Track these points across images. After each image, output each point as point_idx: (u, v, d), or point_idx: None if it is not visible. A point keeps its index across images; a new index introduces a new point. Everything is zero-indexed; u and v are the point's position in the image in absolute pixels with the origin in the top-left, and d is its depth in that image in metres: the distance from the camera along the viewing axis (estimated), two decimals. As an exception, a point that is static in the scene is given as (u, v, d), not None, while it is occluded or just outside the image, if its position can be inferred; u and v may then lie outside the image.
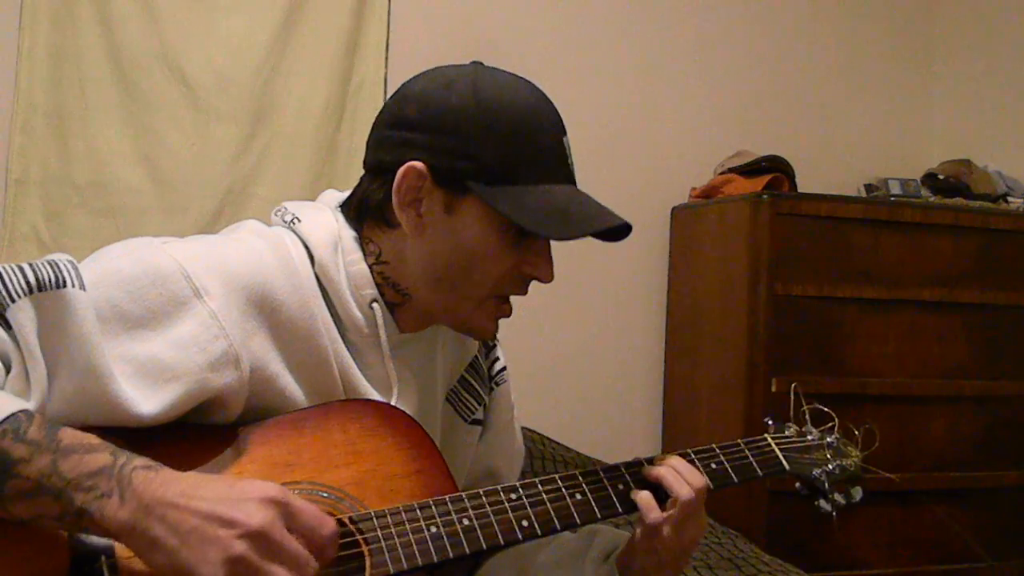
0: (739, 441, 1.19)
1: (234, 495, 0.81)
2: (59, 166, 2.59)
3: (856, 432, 1.26)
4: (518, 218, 0.99)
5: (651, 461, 1.11)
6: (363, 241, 1.07)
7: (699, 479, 1.08)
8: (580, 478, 1.06)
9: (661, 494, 1.07)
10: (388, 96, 1.12)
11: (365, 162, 1.10)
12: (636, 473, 1.09)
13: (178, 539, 0.78)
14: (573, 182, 1.06)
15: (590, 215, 1.02)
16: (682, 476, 1.07)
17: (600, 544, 1.15)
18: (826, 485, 1.20)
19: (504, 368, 1.29)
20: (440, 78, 1.05)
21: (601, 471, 1.08)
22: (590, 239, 1.04)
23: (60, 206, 2.59)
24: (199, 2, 2.68)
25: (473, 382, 1.22)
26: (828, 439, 1.25)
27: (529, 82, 1.07)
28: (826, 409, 1.26)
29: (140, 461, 0.82)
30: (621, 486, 1.07)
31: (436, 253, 1.04)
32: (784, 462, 1.19)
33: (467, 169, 1.00)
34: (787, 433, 1.24)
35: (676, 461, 1.09)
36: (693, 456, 1.13)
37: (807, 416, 1.26)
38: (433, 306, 1.09)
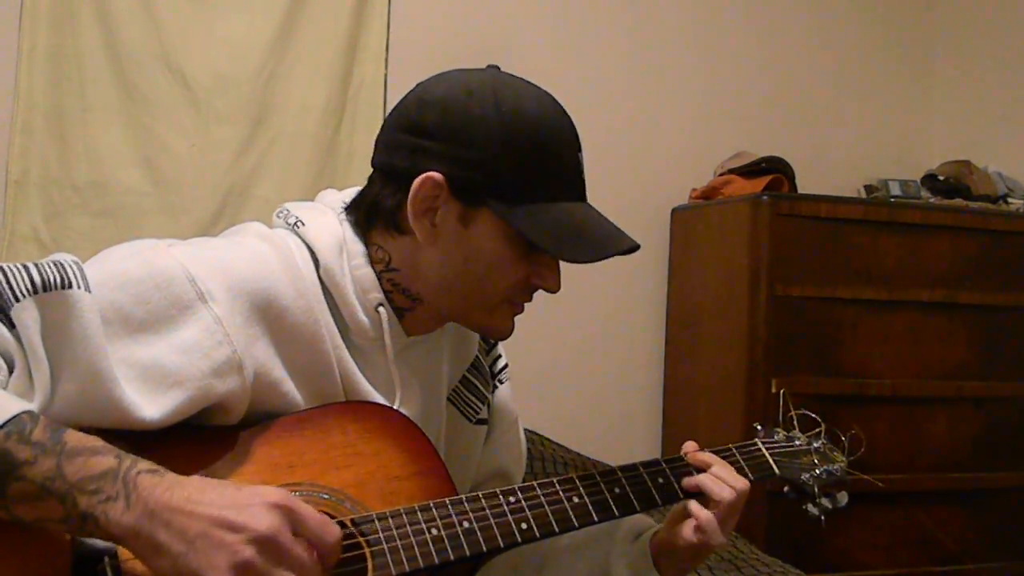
0: (731, 447, 1.20)
1: (241, 500, 0.80)
2: (59, 167, 2.59)
3: (843, 437, 1.27)
4: (536, 238, 1.00)
5: (646, 465, 1.12)
6: (371, 247, 1.07)
7: (740, 482, 1.10)
8: (577, 482, 1.07)
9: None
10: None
11: (375, 162, 1.09)
12: (632, 477, 1.10)
13: (184, 544, 0.78)
14: (584, 198, 1.07)
15: (604, 237, 1.04)
16: (723, 480, 1.10)
17: (629, 524, 1.17)
18: (815, 489, 1.21)
19: (506, 366, 1.30)
20: (460, 85, 1.04)
21: (598, 475, 1.09)
22: None
23: (60, 207, 2.59)
24: (199, 3, 2.69)
25: (476, 381, 1.22)
26: (815, 444, 1.26)
27: (547, 94, 1.07)
28: (813, 415, 1.27)
29: (145, 465, 0.82)
30: (617, 490, 1.08)
31: (448, 263, 1.04)
32: (774, 467, 1.20)
33: (485, 183, 1.00)
34: (776, 438, 1.25)
35: (718, 468, 1.11)
36: (688, 458, 1.14)
37: (795, 421, 1.27)
38: (446, 311, 1.10)
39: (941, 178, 3.04)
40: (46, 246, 2.55)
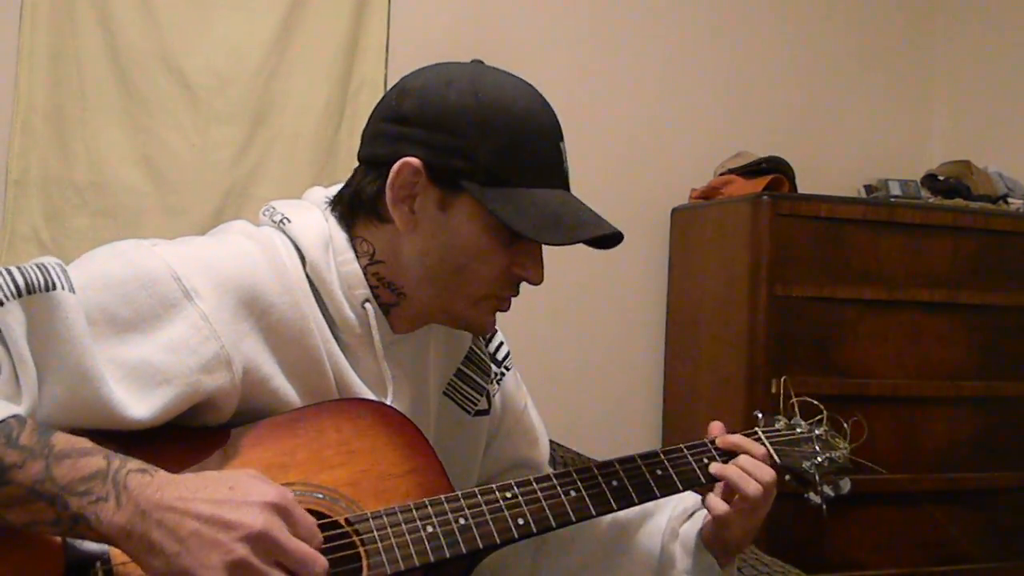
0: (731, 436, 1.18)
1: (234, 498, 0.80)
2: (59, 167, 2.59)
3: (844, 424, 1.26)
4: (511, 222, 0.99)
5: (644, 457, 1.12)
6: (356, 241, 1.07)
7: (767, 474, 1.10)
8: (575, 475, 1.06)
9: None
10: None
11: (359, 154, 1.10)
12: (630, 469, 1.10)
13: (177, 543, 0.77)
14: (567, 187, 1.07)
15: (582, 222, 1.03)
16: (750, 474, 1.09)
17: (676, 500, 1.18)
18: (816, 477, 1.19)
19: (509, 353, 1.29)
20: (440, 75, 1.05)
21: (595, 467, 1.08)
22: (585, 246, 1.06)
23: (60, 207, 2.59)
24: (199, 3, 2.68)
25: (472, 373, 1.22)
26: (816, 432, 1.25)
27: (528, 84, 1.07)
28: (815, 402, 1.26)
29: (135, 464, 0.82)
30: (615, 482, 1.08)
31: (428, 251, 1.04)
32: (775, 455, 1.19)
33: (463, 168, 1.00)
34: (777, 426, 1.24)
35: (744, 459, 1.11)
36: (685, 450, 1.14)
37: (796, 409, 1.27)
38: (428, 306, 1.09)
39: (941, 178, 3.03)
40: (46, 246, 2.55)
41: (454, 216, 1.02)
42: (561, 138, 1.06)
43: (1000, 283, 2.74)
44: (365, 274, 1.06)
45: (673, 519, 1.19)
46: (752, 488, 1.08)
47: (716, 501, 1.11)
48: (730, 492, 1.10)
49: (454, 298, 1.07)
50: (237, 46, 2.71)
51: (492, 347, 1.28)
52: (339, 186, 1.12)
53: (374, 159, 1.06)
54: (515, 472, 1.27)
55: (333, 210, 1.09)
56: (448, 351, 1.19)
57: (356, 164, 1.11)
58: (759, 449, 1.15)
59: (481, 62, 1.09)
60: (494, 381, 1.26)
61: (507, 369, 1.28)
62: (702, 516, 1.17)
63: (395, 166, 1.01)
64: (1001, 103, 3.22)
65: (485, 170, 1.00)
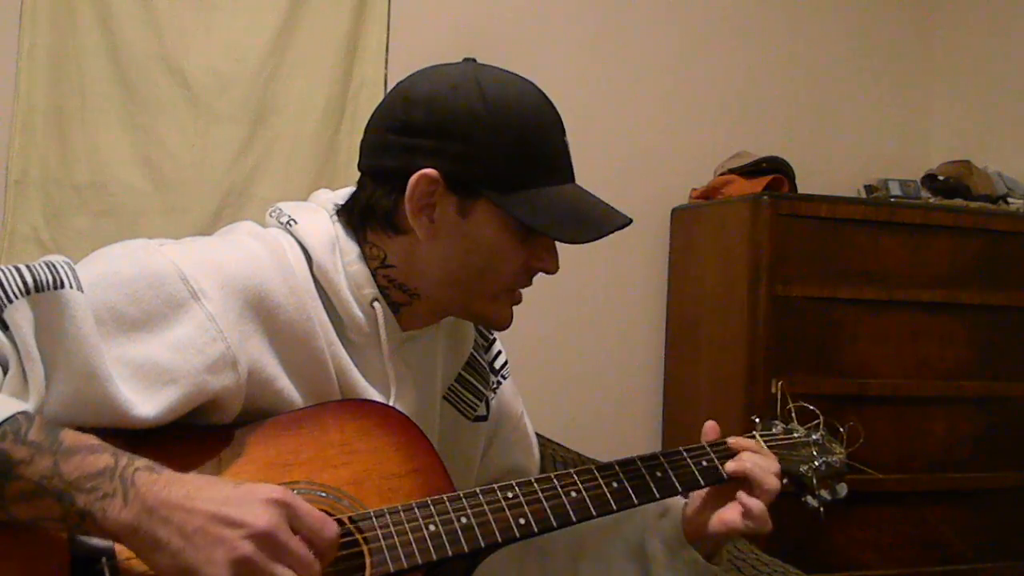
0: (727, 440, 1.19)
1: (239, 496, 0.81)
2: (59, 167, 2.59)
3: (841, 429, 1.26)
4: (536, 223, 1.01)
5: (644, 460, 1.12)
6: (364, 246, 1.07)
7: (776, 463, 1.12)
8: (575, 476, 1.07)
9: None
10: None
11: (363, 166, 1.09)
12: (630, 471, 1.10)
13: (183, 540, 0.78)
14: (574, 180, 1.08)
15: (600, 216, 1.05)
16: (761, 466, 1.10)
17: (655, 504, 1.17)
18: (813, 481, 1.20)
19: (507, 362, 1.30)
20: (442, 80, 1.05)
21: (595, 469, 1.09)
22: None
23: (60, 207, 2.59)
24: (199, 3, 2.69)
25: (472, 379, 1.22)
26: (814, 436, 1.25)
27: (529, 81, 1.08)
28: (811, 407, 1.26)
29: (142, 462, 0.82)
30: (615, 484, 1.08)
31: (450, 256, 1.05)
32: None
33: (479, 175, 1.01)
34: (774, 431, 1.24)
35: (751, 454, 1.12)
36: (684, 453, 1.14)
37: (793, 414, 1.27)
38: (445, 304, 1.10)
39: (941, 178, 3.03)
40: (46, 246, 2.55)
41: (474, 221, 1.03)
42: (564, 131, 1.07)
43: (1000, 283, 2.75)
44: (374, 275, 1.07)
45: (649, 517, 1.18)
46: (771, 481, 1.08)
47: (730, 514, 1.09)
48: (748, 487, 1.09)
49: (473, 297, 1.08)
50: (237, 46, 2.71)
51: (490, 355, 1.28)
52: (346, 190, 1.12)
53: (384, 171, 1.06)
54: (510, 478, 1.27)
55: (340, 218, 1.09)
56: (451, 356, 1.20)
57: (355, 168, 1.11)
58: (764, 453, 1.15)
59: (474, 60, 1.09)
60: (492, 388, 1.27)
61: (504, 378, 1.29)
62: (680, 508, 1.16)
63: (412, 179, 1.01)
64: (1001, 103, 3.22)
65: (501, 174, 1.01)
